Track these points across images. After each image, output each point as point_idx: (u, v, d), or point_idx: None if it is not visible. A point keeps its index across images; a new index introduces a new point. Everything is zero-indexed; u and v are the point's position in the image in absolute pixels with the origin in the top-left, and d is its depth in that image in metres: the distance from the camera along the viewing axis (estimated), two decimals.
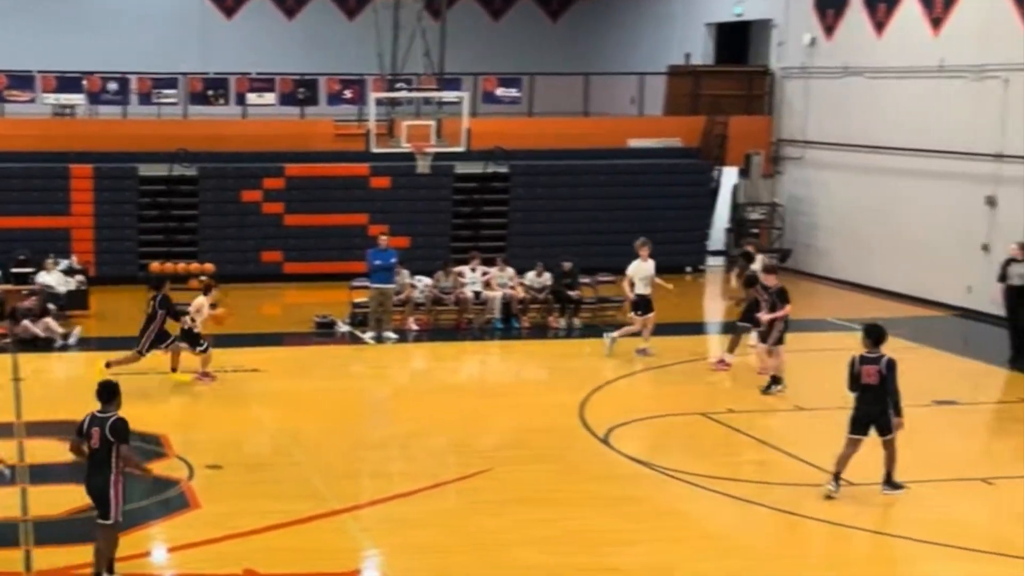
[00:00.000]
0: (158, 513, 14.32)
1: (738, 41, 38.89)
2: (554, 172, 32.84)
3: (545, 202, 32.29)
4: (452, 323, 25.63)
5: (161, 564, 13.26)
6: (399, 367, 19.45)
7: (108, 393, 12.41)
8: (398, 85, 28.95)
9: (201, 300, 21.06)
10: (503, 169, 32.55)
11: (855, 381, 15.31)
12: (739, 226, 33.93)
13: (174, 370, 20.55)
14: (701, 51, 38.85)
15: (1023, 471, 16.55)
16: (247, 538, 13.47)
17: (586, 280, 26.62)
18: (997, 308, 24.10)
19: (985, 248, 27.49)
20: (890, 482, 15.43)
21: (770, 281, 20.78)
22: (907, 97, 30.20)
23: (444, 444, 17.60)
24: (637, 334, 22.86)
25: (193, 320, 20.61)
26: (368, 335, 24.21)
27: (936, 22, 29.43)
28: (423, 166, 27.60)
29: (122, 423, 12.25)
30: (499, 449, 17.41)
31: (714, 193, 34.92)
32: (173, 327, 20.56)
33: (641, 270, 22.95)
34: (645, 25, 41.33)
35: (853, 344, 21.02)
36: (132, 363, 20.09)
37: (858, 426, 15.34)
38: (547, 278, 26.05)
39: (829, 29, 33.15)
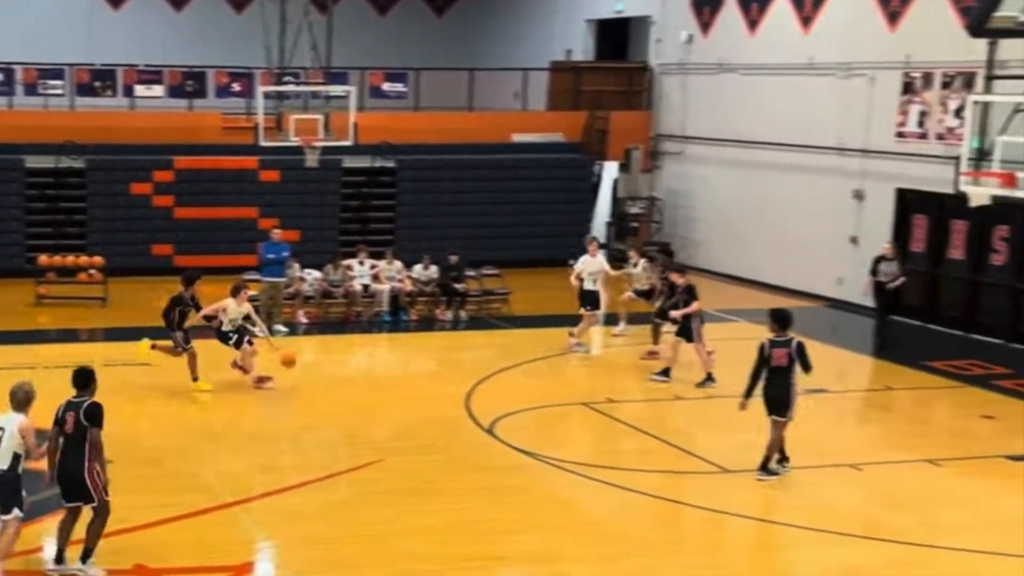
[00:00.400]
0: (50, 508, 14.17)
1: (618, 37, 39.24)
2: (440, 166, 32.94)
3: (431, 196, 32.38)
4: (341, 316, 25.63)
5: (53, 559, 12.91)
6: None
7: (84, 379, 12.47)
8: (286, 79, 28.95)
9: (228, 302, 20.26)
10: (390, 163, 32.57)
11: (765, 364, 15.64)
12: (619, 220, 34.32)
13: (195, 379, 19.78)
14: (582, 47, 39.15)
15: (889, 457, 17.08)
16: (138, 532, 13.38)
17: (472, 273, 26.77)
18: (867, 300, 24.75)
19: (854, 241, 28.11)
20: (765, 467, 15.82)
21: (679, 280, 20.95)
22: (779, 93, 30.72)
23: (334, 436, 17.60)
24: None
25: (220, 320, 20.01)
26: (257, 328, 24.14)
27: (806, 21, 29.99)
28: (311, 160, 27.60)
29: (97, 407, 12.24)
30: (388, 440, 17.54)
31: (595, 187, 35.25)
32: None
33: (589, 265, 23.03)
34: (528, 21, 41.54)
35: (731, 334, 21.71)
36: (175, 354, 19.95)
37: (768, 404, 15.75)
38: (434, 271, 26.13)
39: (705, 26, 33.61)
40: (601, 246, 33.15)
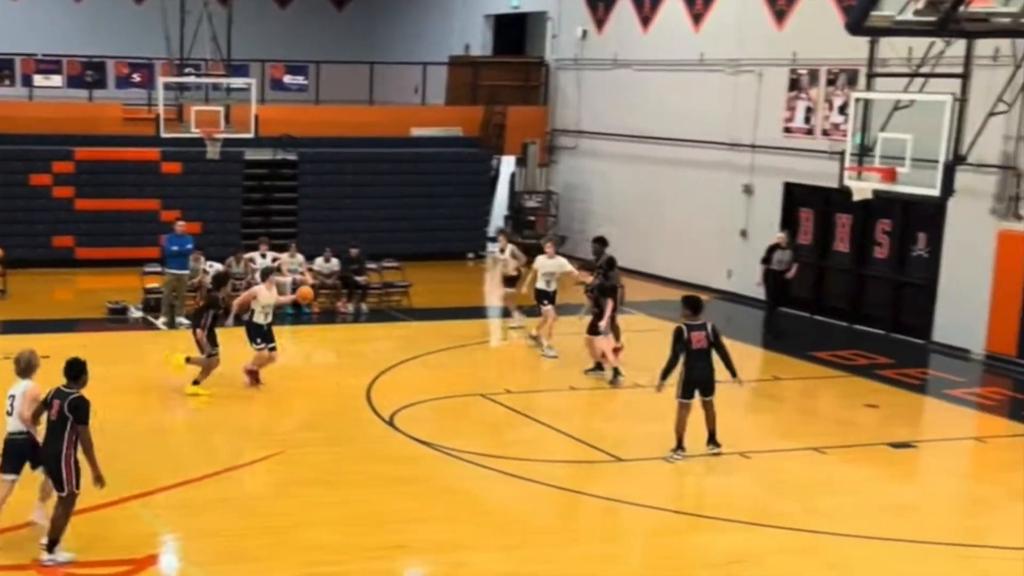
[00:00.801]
0: None
1: (516, 33, 39.39)
2: (341, 160, 32.85)
3: (333, 189, 32.30)
4: None
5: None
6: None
7: (75, 371, 12.53)
8: (186, 70, 28.61)
9: (259, 288, 19.79)
10: (292, 156, 32.41)
11: (686, 348, 16.09)
12: (517, 214, 34.47)
13: (196, 383, 19.05)
14: (480, 42, 39.24)
15: (777, 445, 17.37)
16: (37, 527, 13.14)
17: (372, 266, 26.76)
18: (759, 291, 25.08)
19: (743, 234, 28.50)
20: (714, 440, 16.31)
21: (588, 279, 21.02)
22: (671, 89, 31.00)
23: (237, 428, 17.52)
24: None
25: (251, 311, 19.42)
26: (161, 321, 24.01)
27: (697, 18, 30.29)
28: (213, 152, 27.32)
29: (82, 402, 12.30)
30: (290, 432, 17.51)
31: (493, 181, 35.39)
32: None
33: (544, 266, 22.58)
34: (427, 15, 41.55)
35: (625, 326, 21.86)
36: (208, 364, 19.11)
37: (688, 390, 16.20)
38: (335, 264, 26.06)
39: (600, 22, 33.82)
40: (495, 239, 33.26)
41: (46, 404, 12.50)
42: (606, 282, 20.83)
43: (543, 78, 36.09)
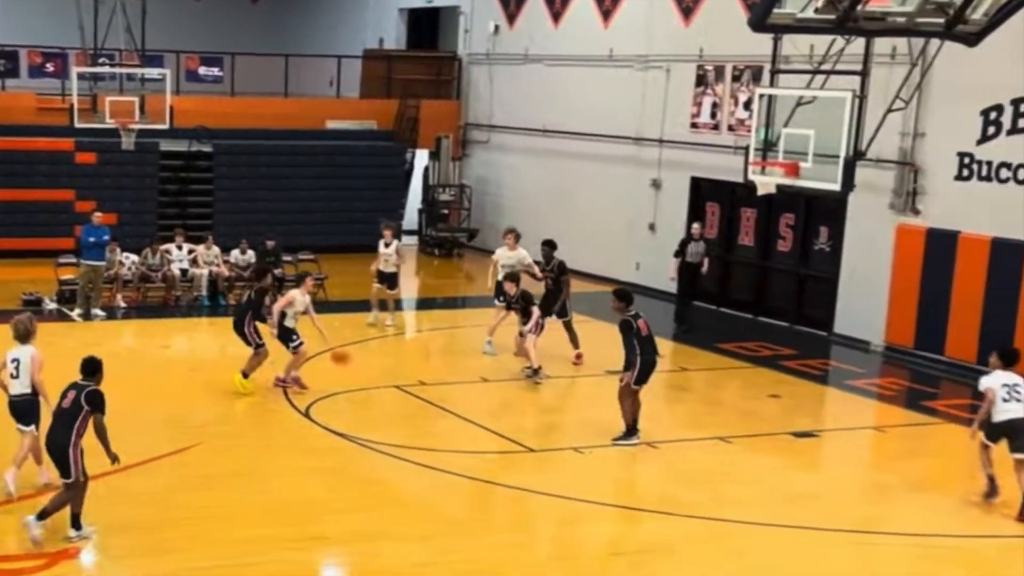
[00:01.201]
0: None
1: (429, 27, 39.40)
2: (257, 152, 32.66)
3: (248, 181, 32.11)
4: (160, 300, 25.33)
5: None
6: (109, 344, 19.10)
7: (92, 367, 13.11)
8: (100, 60, 28.33)
9: (294, 294, 19.26)
10: (207, 148, 32.19)
11: (637, 336, 16.60)
12: (431, 207, 34.49)
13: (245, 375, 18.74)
14: (395, 36, 39.17)
15: (684, 435, 17.57)
16: None
17: (288, 258, 26.62)
18: (667, 284, 25.28)
19: (652, 228, 28.75)
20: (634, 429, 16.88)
21: (511, 290, 20.77)
22: (582, 84, 31.15)
23: (154, 420, 17.31)
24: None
25: (283, 315, 18.89)
26: (76, 312, 23.78)
27: (606, 14, 30.46)
28: (127, 143, 27.06)
29: (99, 394, 12.87)
30: (208, 424, 17.37)
31: (408, 175, 35.38)
32: None
33: (506, 258, 21.81)
34: (342, 9, 41.41)
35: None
36: (263, 360, 18.79)
37: (646, 375, 16.76)
38: (251, 256, 25.87)
39: (511, 18, 33.90)
40: (414, 232, 33.27)
41: (63, 394, 13.04)
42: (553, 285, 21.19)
43: (456, 72, 36.11)
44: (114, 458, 13.02)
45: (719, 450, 16.85)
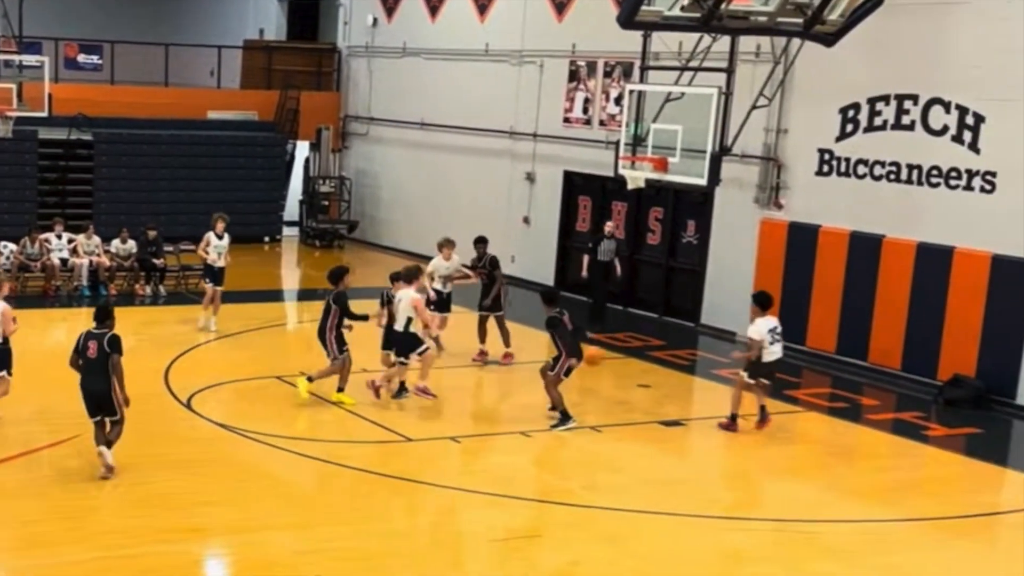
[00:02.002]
0: None
1: (309, 18, 39.10)
2: (137, 141, 32.08)
3: (129, 171, 31.52)
4: (40, 290, 24.79)
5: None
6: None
7: (104, 314, 14.50)
8: None
9: (410, 294, 17.68)
10: (87, 136, 31.55)
11: (563, 331, 17.04)
12: (311, 198, 34.25)
13: (340, 390, 17.94)
14: (275, 27, 38.82)
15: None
16: None
17: (170, 249, 26.20)
18: (581, 280, 25.24)
19: (526, 221, 28.85)
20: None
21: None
22: (458, 78, 31.15)
23: (32, 412, 16.96)
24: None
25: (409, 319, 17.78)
26: None
27: (482, 9, 30.48)
28: (4, 130, 26.46)
29: (118, 337, 14.25)
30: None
31: (289, 166, 35.09)
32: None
33: (441, 268, 20.99)
34: None
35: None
36: (335, 372, 17.93)
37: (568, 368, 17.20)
38: (132, 246, 25.43)
39: (390, 11, 33.78)
40: (295, 224, 32.93)
41: (78, 349, 14.33)
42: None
43: (336, 64, 35.89)
44: (126, 400, 14.27)
45: (590, 439, 16.96)
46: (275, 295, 27.39)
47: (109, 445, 14.40)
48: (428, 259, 28.93)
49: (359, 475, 15.06)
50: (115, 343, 14.20)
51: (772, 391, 17.57)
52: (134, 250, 25.39)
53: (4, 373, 15.99)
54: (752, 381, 17.09)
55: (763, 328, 17.01)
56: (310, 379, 17.86)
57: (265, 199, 33.09)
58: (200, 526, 13.23)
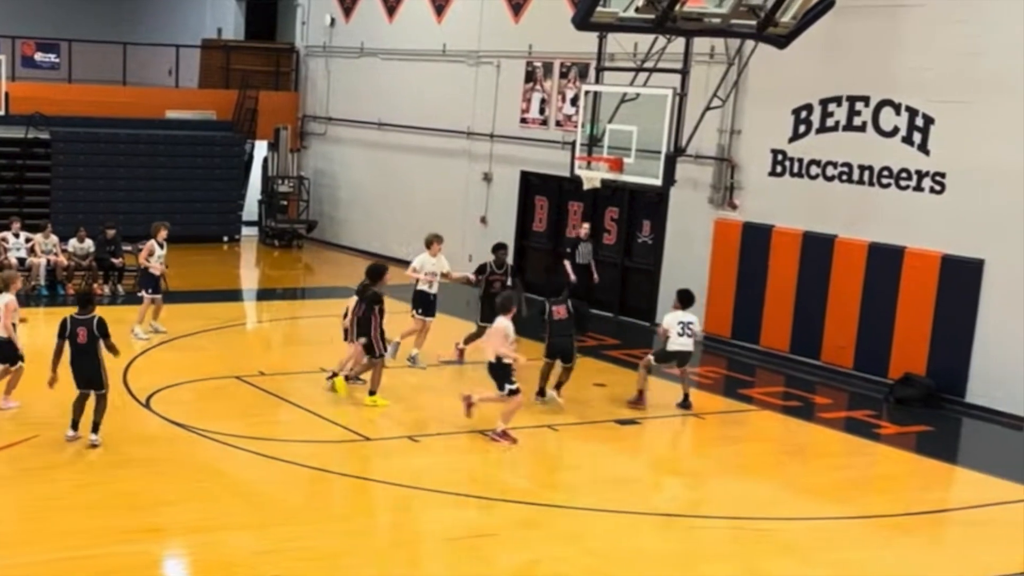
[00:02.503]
0: None
1: (267, 18, 38.94)
2: (95, 140, 31.86)
3: (87, 170, 31.29)
4: None
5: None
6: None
7: (86, 299, 15.59)
8: None
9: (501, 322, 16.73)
10: (44, 135, 31.24)
11: (550, 319, 18.00)
12: (270, 198, 34.10)
13: (372, 393, 17.83)
14: (233, 26, 38.63)
15: (512, 423, 17.18)
16: None
17: (128, 248, 25.93)
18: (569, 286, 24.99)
19: (483, 220, 28.85)
20: (543, 392, 18.28)
21: (472, 280, 20.77)
22: (416, 79, 31.11)
23: None
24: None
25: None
26: None
27: (439, 9, 30.46)
28: None
29: (104, 321, 15.29)
30: (46, 416, 16.75)
31: (247, 165, 34.94)
32: None
33: (428, 265, 20.05)
34: None
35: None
36: (378, 370, 17.76)
37: (553, 353, 18.17)
38: (90, 245, 25.28)
39: (347, 11, 33.70)
40: (254, 223, 32.68)
41: (66, 335, 15.23)
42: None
43: (294, 64, 35.75)
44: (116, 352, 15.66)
45: (547, 437, 16.99)
46: (234, 295, 27.24)
47: (96, 427, 15.33)
48: (386, 259, 29.18)
49: (318, 475, 15.01)
50: (103, 327, 15.16)
51: (691, 380, 19.00)
52: (92, 249, 25.23)
53: (18, 364, 16.67)
54: (655, 364, 18.45)
55: (673, 320, 18.10)
56: (347, 378, 18.29)
57: (223, 199, 32.93)
58: (160, 526, 13.15)
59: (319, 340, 21.31)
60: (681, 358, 18.30)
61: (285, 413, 17.66)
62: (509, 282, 20.47)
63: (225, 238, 32.76)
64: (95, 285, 24.85)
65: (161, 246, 21.94)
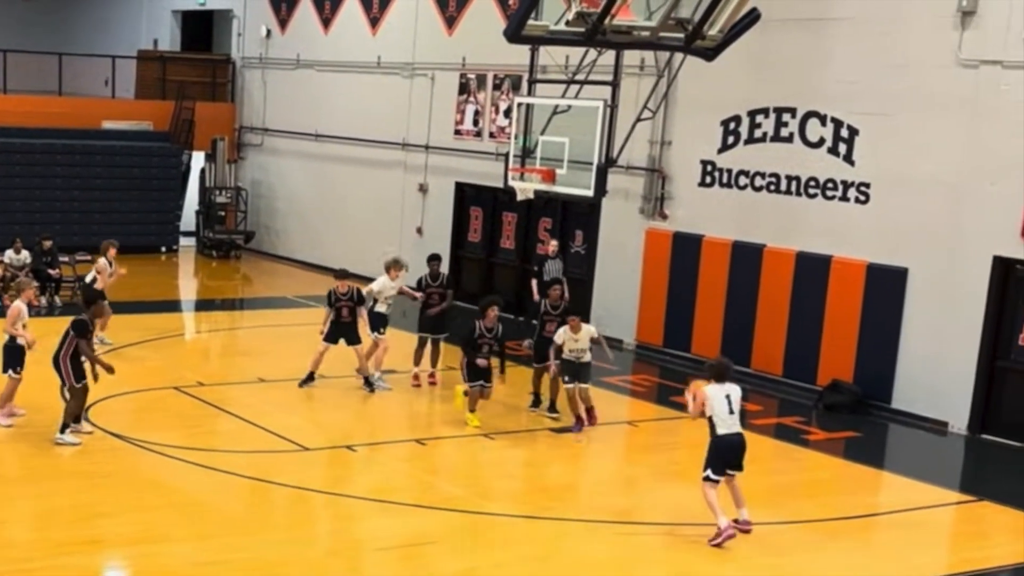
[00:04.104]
0: None
1: (203, 29, 38.61)
2: (31, 150, 31.39)
3: (22, 180, 30.86)
4: None
5: None
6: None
7: (86, 299, 17.26)
8: None
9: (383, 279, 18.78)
10: None
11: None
12: (208, 209, 33.79)
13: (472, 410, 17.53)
14: (169, 37, 38.26)
15: (449, 432, 17.56)
16: None
17: (65, 259, 25.65)
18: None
19: (419, 231, 28.75)
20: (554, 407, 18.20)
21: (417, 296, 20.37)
22: (351, 90, 30.95)
23: None
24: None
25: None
26: None
27: (374, 22, 30.33)
28: None
29: (83, 323, 15.77)
30: None
31: (185, 176, 34.61)
32: None
33: (388, 288, 19.85)
34: (116, 9, 40.26)
35: (309, 319, 21.73)
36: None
37: (540, 356, 18.19)
38: (26, 256, 24.83)
39: (283, 23, 33.49)
40: (192, 234, 32.34)
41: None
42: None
43: (230, 75, 35.46)
44: (108, 368, 15.97)
45: (483, 446, 16.93)
46: (172, 305, 26.95)
47: (63, 427, 15.78)
48: (323, 269, 29.03)
49: (256, 485, 14.87)
50: (78, 326, 15.72)
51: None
52: (28, 260, 24.80)
53: (11, 373, 16.52)
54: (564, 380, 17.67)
55: (564, 336, 17.53)
56: (465, 393, 17.83)
57: (161, 209, 32.60)
58: (98, 538, 12.95)
59: (257, 350, 21.11)
60: (581, 369, 17.72)
61: (224, 423, 17.49)
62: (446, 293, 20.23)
63: (163, 249, 32.43)
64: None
65: (111, 264, 21.51)
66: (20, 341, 16.51)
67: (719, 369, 13.90)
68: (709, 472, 13.62)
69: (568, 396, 17.74)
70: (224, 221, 33.56)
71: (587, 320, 23.62)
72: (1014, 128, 18.28)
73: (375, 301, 19.70)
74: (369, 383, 19.27)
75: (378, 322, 19.75)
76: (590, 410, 17.86)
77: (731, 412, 13.63)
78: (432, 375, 20.15)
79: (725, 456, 13.57)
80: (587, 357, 17.66)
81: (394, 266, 19.96)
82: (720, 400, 13.64)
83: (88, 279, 21.63)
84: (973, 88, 18.85)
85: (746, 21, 18.50)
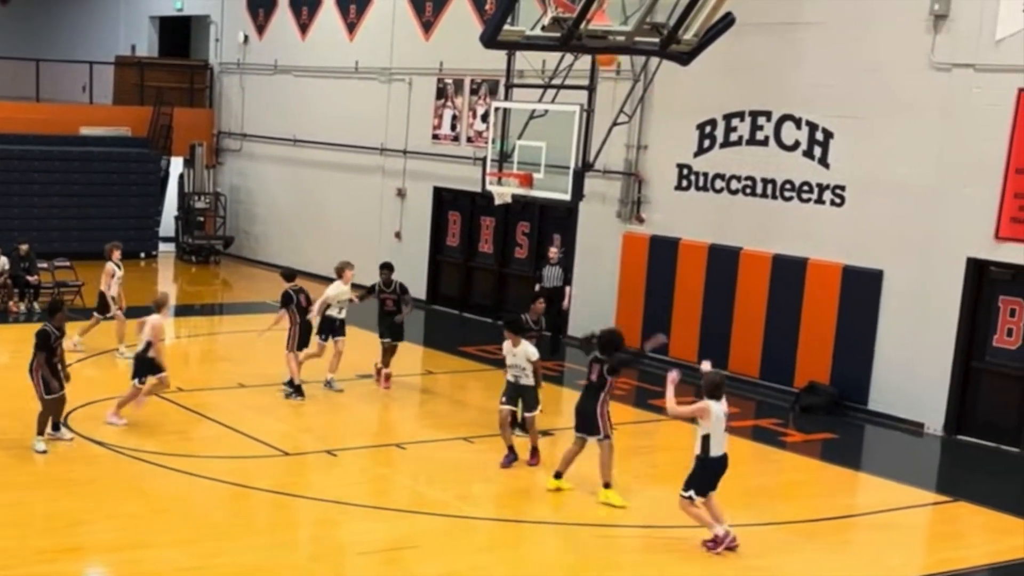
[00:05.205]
0: None
1: (181, 35, 38.55)
2: (9, 156, 31.27)
3: (1, 186, 30.73)
4: None
5: None
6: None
7: (52, 308, 16.09)
8: None
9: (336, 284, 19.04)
10: None
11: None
12: (187, 214, 33.71)
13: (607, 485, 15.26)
14: (147, 43, 38.18)
15: (430, 436, 17.60)
16: None
17: (44, 265, 25.53)
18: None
19: (398, 236, 28.73)
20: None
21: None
22: (329, 95, 30.91)
23: None
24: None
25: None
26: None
27: (351, 27, 30.31)
28: None
29: (41, 334, 15.64)
30: None
31: (163, 182, 34.53)
32: None
33: (342, 293, 19.61)
34: (93, 14, 40.19)
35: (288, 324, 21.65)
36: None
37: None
38: (4, 262, 24.72)
39: (261, 28, 33.44)
40: (171, 239, 32.24)
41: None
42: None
43: (208, 81, 35.39)
44: (67, 376, 16.05)
45: (463, 449, 16.95)
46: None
47: (56, 427, 16.12)
48: (303, 274, 28.78)
49: (238, 490, 14.85)
50: (36, 336, 15.63)
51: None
52: (6, 267, 24.71)
53: (137, 381, 17.11)
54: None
55: (509, 350, 16.35)
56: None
57: (140, 215, 32.51)
58: (79, 545, 12.92)
59: (237, 356, 21.06)
60: (521, 393, 16.27)
61: (204, 429, 17.44)
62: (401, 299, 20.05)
63: (142, 254, 32.31)
64: (10, 303, 24.46)
65: (118, 266, 21.41)
66: None
67: (717, 384, 13.53)
68: (692, 492, 13.36)
69: (499, 419, 16.28)
70: (203, 226, 33.49)
71: (565, 324, 23.91)
72: (987, 131, 18.40)
73: (328, 306, 19.48)
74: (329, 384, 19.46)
75: (328, 327, 19.61)
76: (534, 449, 16.37)
77: (724, 431, 13.33)
78: (387, 377, 20.01)
79: (712, 479, 13.36)
80: (525, 380, 16.18)
81: (347, 267, 19.79)
82: (720, 419, 13.28)
83: (102, 287, 21.47)
84: (946, 91, 18.97)
85: (721, 25, 18.54)
